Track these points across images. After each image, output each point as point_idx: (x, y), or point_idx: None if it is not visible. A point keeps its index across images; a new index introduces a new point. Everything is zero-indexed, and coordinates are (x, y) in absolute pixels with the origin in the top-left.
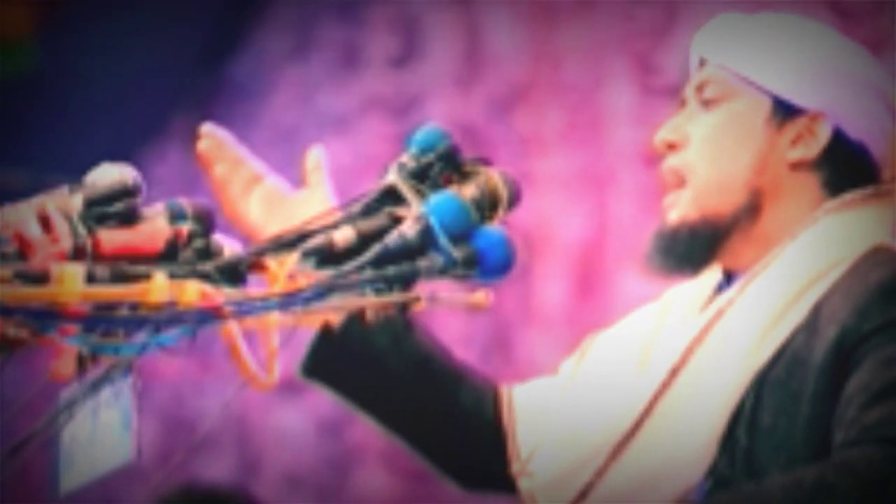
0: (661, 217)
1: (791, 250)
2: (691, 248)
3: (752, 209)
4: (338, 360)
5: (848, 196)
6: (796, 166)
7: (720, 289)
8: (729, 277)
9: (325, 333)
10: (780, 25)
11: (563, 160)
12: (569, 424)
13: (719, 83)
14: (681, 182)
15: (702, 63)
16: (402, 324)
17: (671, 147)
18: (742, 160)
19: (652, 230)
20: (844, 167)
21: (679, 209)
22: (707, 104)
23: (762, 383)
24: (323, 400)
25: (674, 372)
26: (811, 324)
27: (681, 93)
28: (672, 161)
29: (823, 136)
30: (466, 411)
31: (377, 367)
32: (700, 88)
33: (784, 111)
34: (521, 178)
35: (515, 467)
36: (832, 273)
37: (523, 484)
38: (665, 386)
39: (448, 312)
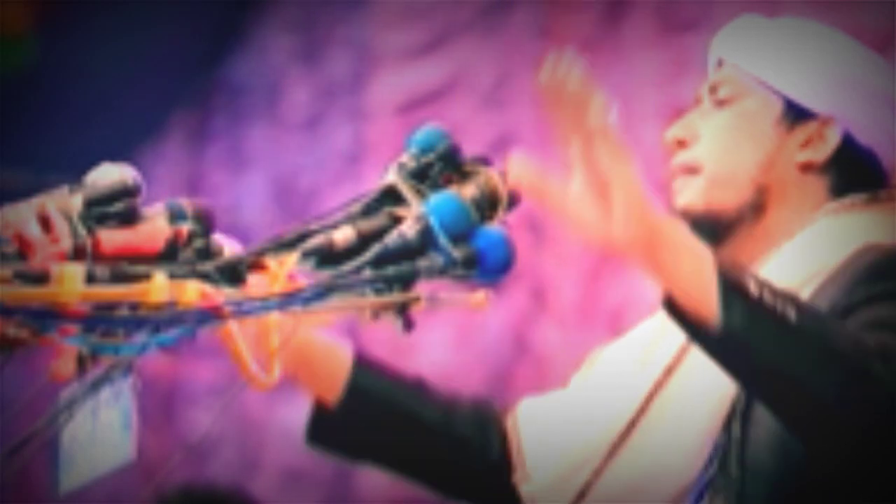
0: (668, 201)
1: (788, 250)
2: (696, 232)
3: (757, 206)
4: (338, 427)
5: (848, 199)
6: (805, 169)
7: None
8: None
9: (320, 408)
10: (796, 29)
11: None
12: (568, 428)
13: (733, 83)
14: (690, 171)
15: (720, 64)
16: (393, 382)
17: (680, 144)
18: (750, 157)
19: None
20: (852, 172)
21: (686, 196)
22: (720, 104)
23: None
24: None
25: (668, 371)
26: None
27: (696, 91)
28: (681, 157)
29: (833, 140)
30: (470, 441)
31: (380, 423)
32: (714, 89)
33: (795, 114)
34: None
35: (518, 475)
36: (826, 273)
37: (524, 489)
38: (659, 385)
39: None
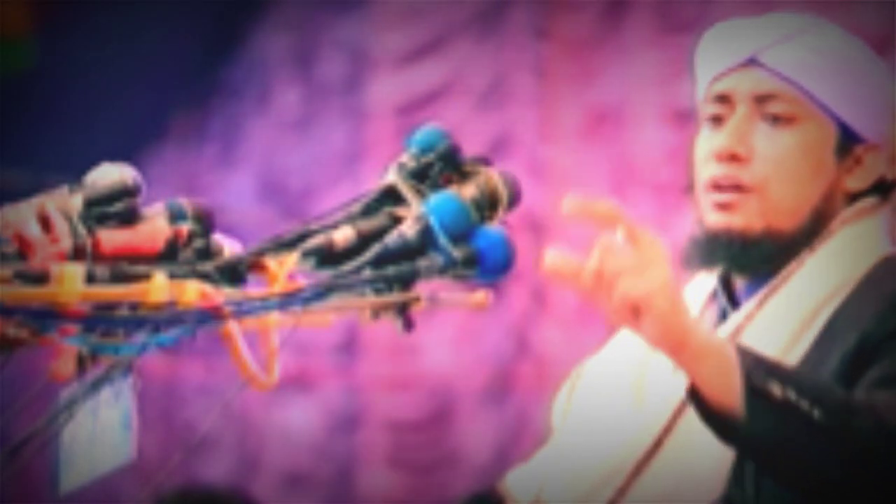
0: (708, 213)
1: (810, 265)
2: (748, 255)
3: (813, 233)
4: None
5: (859, 205)
6: (848, 195)
7: (715, 296)
8: (725, 282)
9: None
10: (839, 42)
11: (585, 155)
12: (577, 451)
13: (790, 101)
14: (743, 190)
15: (752, 61)
16: None
17: (735, 158)
18: (813, 186)
19: (700, 224)
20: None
21: (744, 216)
22: (776, 120)
23: None
24: (325, 399)
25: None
26: (824, 336)
27: (713, 84)
28: (735, 173)
29: (876, 168)
30: None
31: None
32: (763, 98)
33: (847, 139)
34: (541, 172)
35: None
36: (849, 287)
37: None
38: (685, 403)
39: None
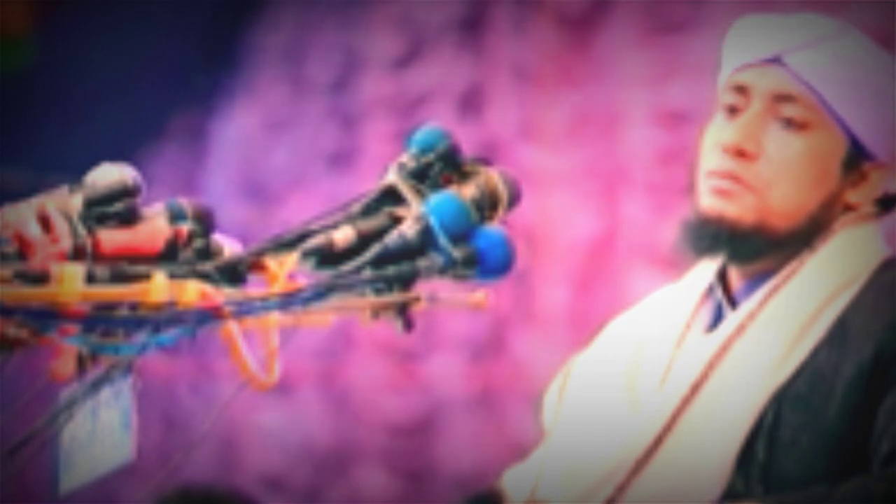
0: (705, 197)
1: (811, 265)
2: (737, 246)
3: (807, 235)
4: None
5: (861, 210)
6: (848, 207)
7: (711, 290)
8: (722, 277)
9: None
10: (864, 53)
11: (573, 157)
12: (572, 449)
13: (807, 106)
14: (743, 184)
15: (776, 60)
16: None
17: (742, 154)
18: (813, 194)
19: (697, 209)
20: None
21: (736, 207)
22: (789, 123)
23: (781, 399)
24: (319, 400)
25: (694, 388)
26: (835, 339)
27: (734, 75)
28: (739, 169)
29: (879, 186)
30: None
31: None
32: (780, 99)
33: (856, 155)
34: (530, 175)
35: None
36: (851, 287)
37: None
38: (686, 402)
39: (447, 311)
